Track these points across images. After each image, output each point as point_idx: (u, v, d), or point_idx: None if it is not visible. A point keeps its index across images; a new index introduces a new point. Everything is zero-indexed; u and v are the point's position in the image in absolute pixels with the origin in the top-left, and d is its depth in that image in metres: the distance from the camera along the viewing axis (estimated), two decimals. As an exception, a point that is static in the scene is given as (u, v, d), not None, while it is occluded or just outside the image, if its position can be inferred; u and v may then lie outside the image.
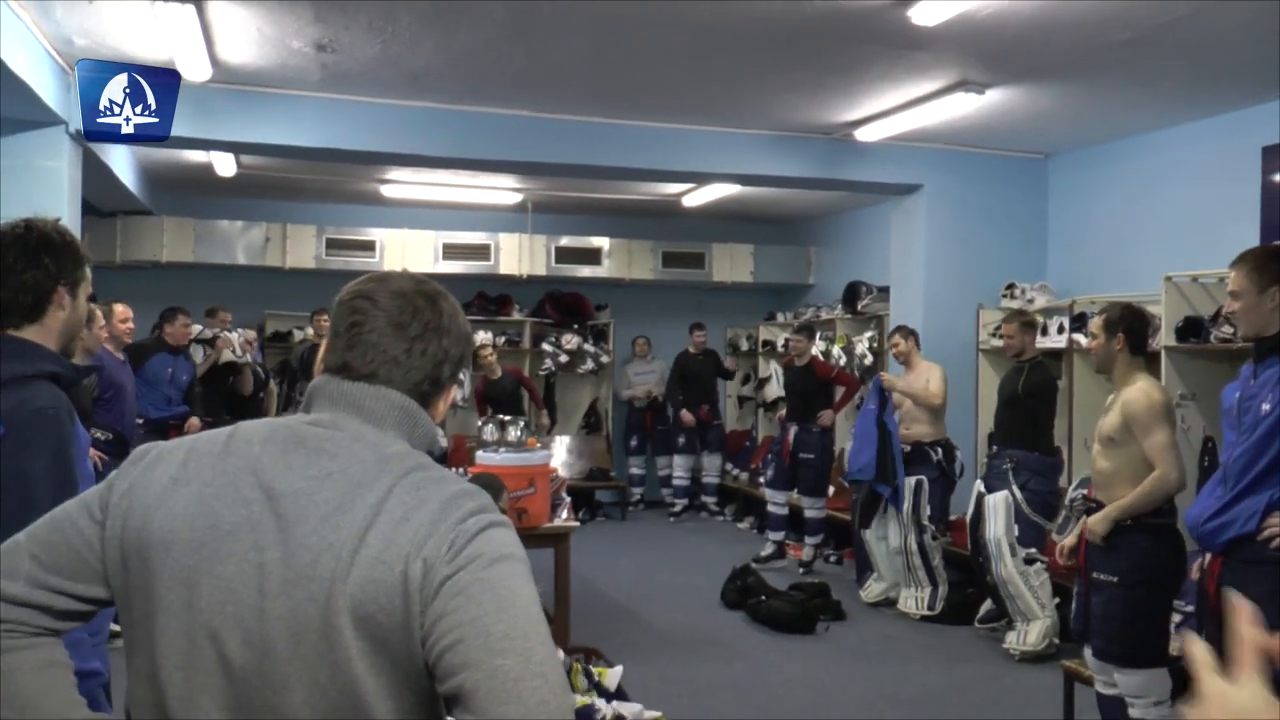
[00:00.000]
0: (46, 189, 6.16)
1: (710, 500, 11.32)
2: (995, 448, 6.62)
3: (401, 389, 1.46)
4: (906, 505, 7.12)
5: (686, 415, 11.05)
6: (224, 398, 8.30)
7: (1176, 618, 4.66)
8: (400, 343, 1.46)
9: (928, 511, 7.11)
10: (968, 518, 6.65)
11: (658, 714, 4.78)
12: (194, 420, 7.50)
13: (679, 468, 11.28)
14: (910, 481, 7.17)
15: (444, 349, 1.50)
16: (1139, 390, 4.15)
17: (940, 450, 7.25)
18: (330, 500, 1.32)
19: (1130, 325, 4.23)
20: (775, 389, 10.93)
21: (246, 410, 8.33)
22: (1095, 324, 4.37)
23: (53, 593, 1.40)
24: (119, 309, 6.44)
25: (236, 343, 8.30)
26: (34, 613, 1.40)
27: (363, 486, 1.33)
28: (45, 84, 5.76)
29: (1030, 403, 6.45)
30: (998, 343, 7.32)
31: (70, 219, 6.35)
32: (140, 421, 7.10)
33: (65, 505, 1.45)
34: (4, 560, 1.41)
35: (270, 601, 1.29)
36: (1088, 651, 4.36)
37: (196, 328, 8.13)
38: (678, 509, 11.27)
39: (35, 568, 1.39)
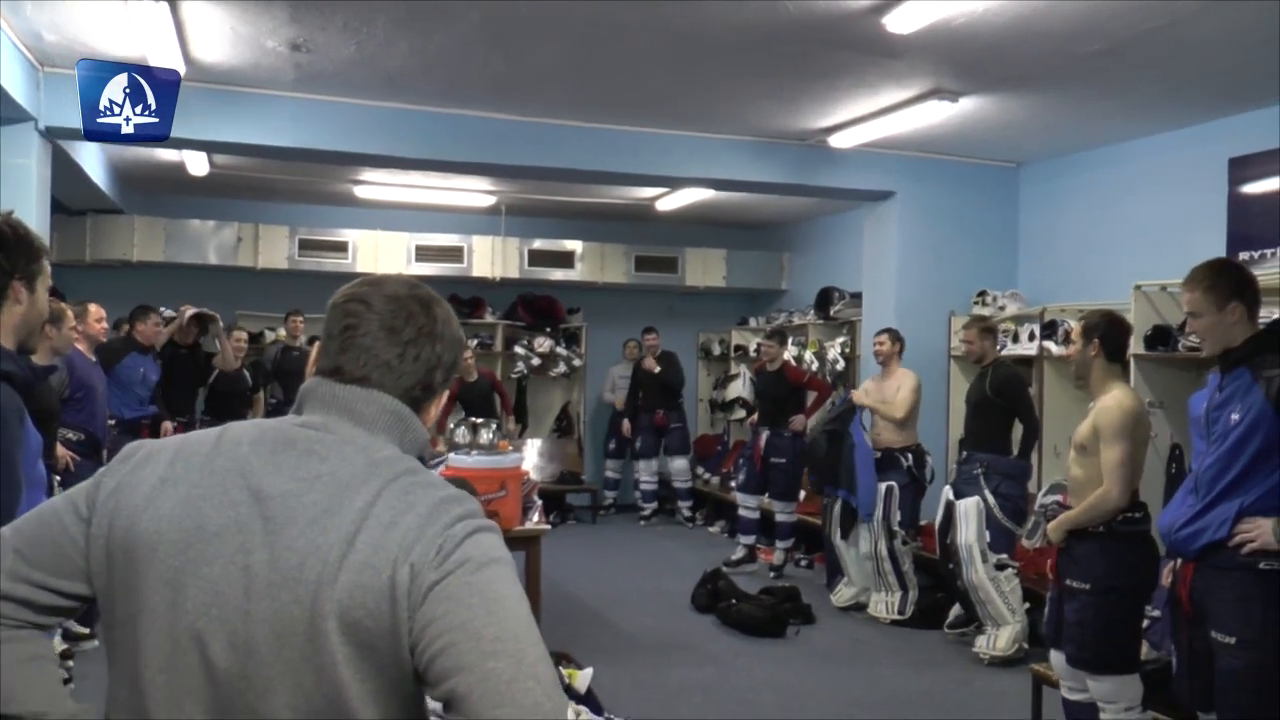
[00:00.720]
0: (15, 187, 6.08)
1: (683, 505, 11.18)
2: (965, 453, 6.66)
3: (393, 393, 1.47)
4: (877, 512, 7.14)
5: (625, 426, 11.12)
6: (191, 388, 8.26)
7: (1144, 623, 4.70)
8: (393, 347, 1.46)
9: (898, 517, 7.13)
10: (936, 524, 6.69)
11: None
12: (166, 424, 7.46)
13: (644, 471, 11.26)
14: (880, 487, 7.20)
15: (436, 354, 1.50)
16: (1112, 399, 4.18)
17: (910, 456, 7.27)
18: (318, 503, 1.32)
19: (1106, 332, 4.26)
20: (737, 389, 10.95)
21: (232, 411, 8.30)
22: (1075, 331, 4.40)
23: (35, 587, 1.39)
24: (93, 309, 6.38)
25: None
26: (16, 607, 1.39)
27: (351, 490, 1.33)
28: (14, 80, 5.70)
29: (1001, 403, 6.49)
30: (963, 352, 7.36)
31: (39, 217, 6.29)
32: (113, 422, 7.05)
33: (51, 501, 1.44)
34: None
35: (255, 604, 1.29)
36: (1055, 656, 4.39)
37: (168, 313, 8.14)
38: (647, 512, 11.27)
39: (19, 562, 1.39)
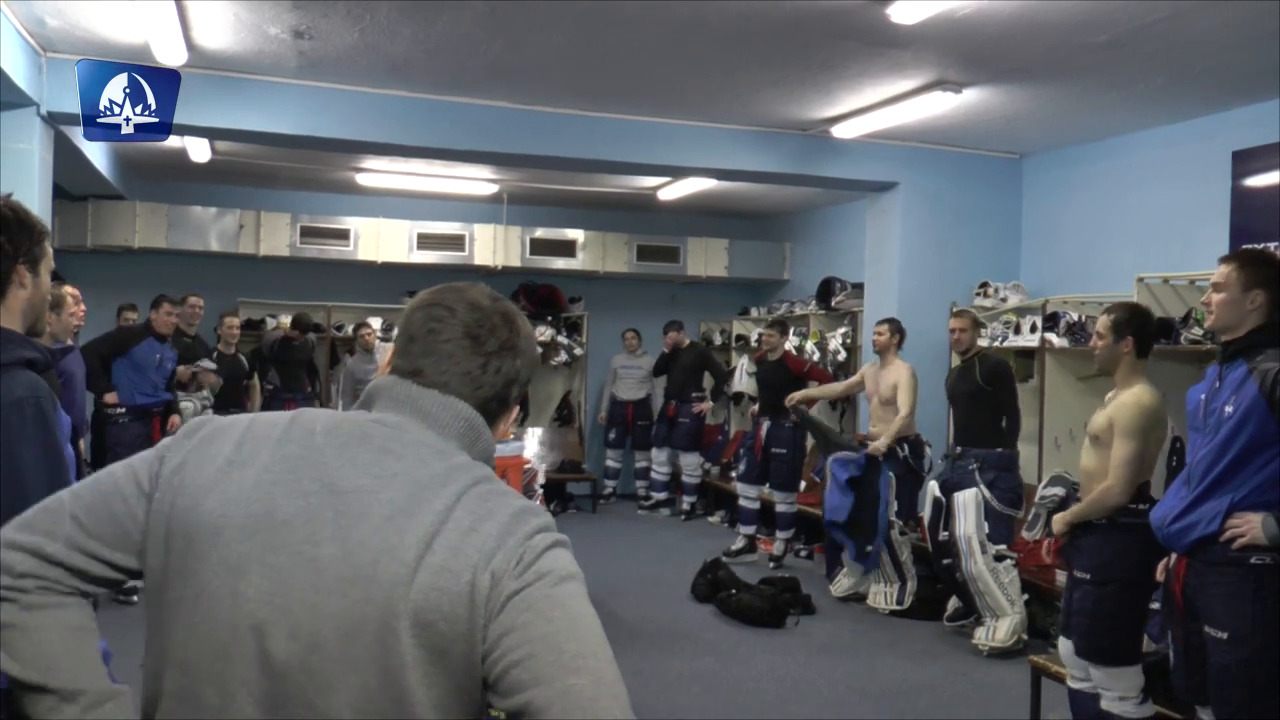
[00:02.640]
0: (17, 172, 6.07)
1: (689, 499, 11.04)
2: (960, 449, 6.62)
3: (471, 403, 1.46)
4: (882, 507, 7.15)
5: (670, 407, 11.04)
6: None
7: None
8: (476, 358, 1.46)
9: (895, 508, 7.14)
10: (925, 519, 6.68)
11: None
12: (174, 419, 7.45)
13: (656, 461, 11.26)
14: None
15: (516, 369, 1.50)
16: (1132, 395, 4.18)
17: (907, 447, 7.27)
18: (394, 501, 1.31)
19: (1140, 327, 4.23)
20: (735, 383, 10.93)
21: (230, 397, 8.38)
22: (1103, 324, 4.32)
23: (89, 557, 1.38)
24: (68, 290, 5.98)
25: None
26: (69, 574, 1.38)
27: (429, 491, 1.32)
28: (16, 65, 5.69)
29: (992, 391, 6.47)
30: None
31: (41, 202, 6.28)
32: (122, 410, 7.04)
33: (111, 469, 1.43)
34: (45, 518, 1.39)
35: (323, 598, 1.27)
36: (1063, 644, 4.40)
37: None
38: (650, 502, 11.27)
39: (76, 530, 1.37)
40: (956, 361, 6.99)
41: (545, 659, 1.22)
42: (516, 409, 1.58)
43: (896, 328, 7.47)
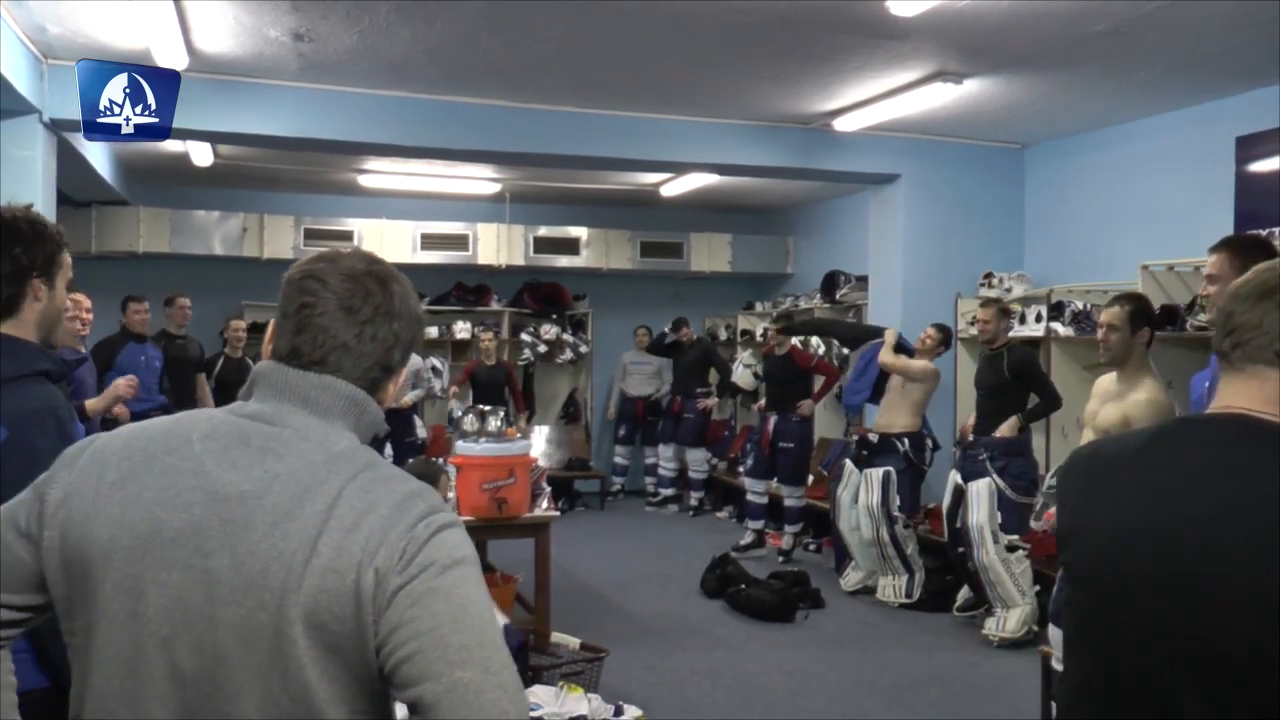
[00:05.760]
0: (20, 179, 6.08)
1: (696, 495, 11.09)
2: (974, 438, 6.61)
3: (351, 376, 1.43)
4: (875, 497, 7.15)
5: (676, 402, 11.08)
6: (187, 376, 8.29)
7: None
8: (351, 327, 1.42)
9: (897, 502, 7.14)
10: (944, 508, 6.68)
11: (638, 712, 4.79)
12: None
13: (664, 457, 11.27)
14: (878, 473, 7.21)
15: (394, 333, 1.46)
16: (1148, 393, 4.09)
17: (908, 441, 7.26)
18: (279, 505, 1.29)
19: (1152, 319, 4.17)
20: (734, 376, 10.96)
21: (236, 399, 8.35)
22: (1115, 315, 4.23)
23: None
24: (74, 297, 6.09)
25: None
26: None
27: (311, 490, 1.30)
28: (18, 72, 5.70)
29: (1018, 386, 6.45)
30: (975, 331, 7.34)
31: (45, 209, 6.27)
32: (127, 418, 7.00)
33: None
34: None
35: (220, 609, 1.27)
36: (1053, 631, 4.38)
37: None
38: (658, 498, 11.28)
39: None
40: (975, 353, 6.95)
41: (431, 654, 1.23)
42: (404, 371, 1.54)
43: (947, 335, 7.47)
